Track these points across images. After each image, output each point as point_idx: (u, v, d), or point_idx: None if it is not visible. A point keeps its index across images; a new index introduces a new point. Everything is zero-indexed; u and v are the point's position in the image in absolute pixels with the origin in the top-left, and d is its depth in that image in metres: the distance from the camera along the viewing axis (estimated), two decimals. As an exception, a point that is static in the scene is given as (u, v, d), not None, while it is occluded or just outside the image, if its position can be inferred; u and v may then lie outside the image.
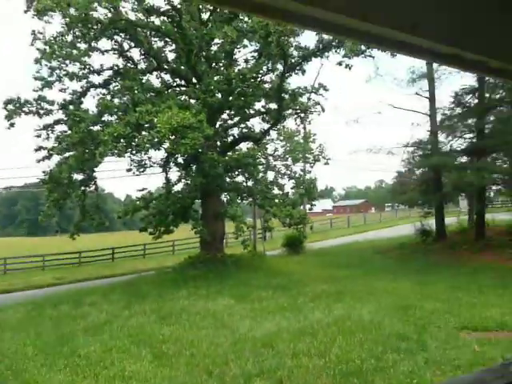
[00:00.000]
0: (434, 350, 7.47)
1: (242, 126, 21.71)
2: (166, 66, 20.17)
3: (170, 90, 20.20)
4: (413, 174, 27.61)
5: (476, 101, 23.18)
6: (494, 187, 27.91)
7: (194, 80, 19.63)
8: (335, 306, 11.12)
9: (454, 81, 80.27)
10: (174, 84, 21.25)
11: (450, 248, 20.97)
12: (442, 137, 24.73)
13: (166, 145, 17.11)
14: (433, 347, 7.65)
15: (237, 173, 20.36)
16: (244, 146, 21.45)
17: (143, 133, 16.98)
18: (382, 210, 65.83)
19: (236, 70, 19.36)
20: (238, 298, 12.67)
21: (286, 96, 20.62)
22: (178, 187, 20.20)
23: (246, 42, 19.87)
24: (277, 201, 20.49)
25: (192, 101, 18.77)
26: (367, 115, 52.94)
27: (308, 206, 23.88)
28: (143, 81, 19.38)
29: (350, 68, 18.35)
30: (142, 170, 19.71)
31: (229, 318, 10.37)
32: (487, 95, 22.77)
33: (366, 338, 8.24)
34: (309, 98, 21.56)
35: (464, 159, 24.53)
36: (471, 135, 24.14)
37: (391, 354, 7.28)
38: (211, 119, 18.69)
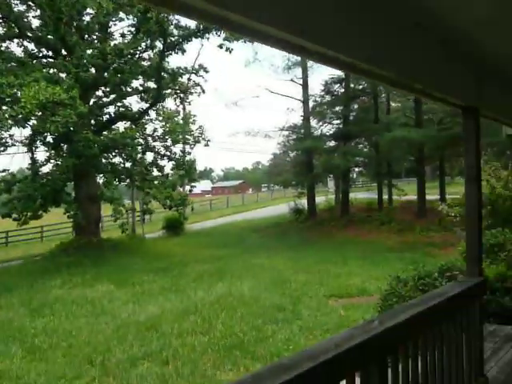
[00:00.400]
0: (307, 318, 8.23)
1: (119, 104, 20.71)
2: (29, 34, 18.17)
3: (35, 61, 18.32)
4: (287, 156, 29.29)
5: (343, 90, 25.33)
6: (356, 169, 31.07)
7: (64, 52, 18.07)
8: (217, 284, 11.48)
9: (324, 70, 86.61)
10: (41, 55, 19.29)
11: (320, 225, 22.90)
12: (313, 122, 26.65)
13: (33, 122, 15.58)
14: (306, 315, 8.42)
15: (114, 153, 19.43)
16: (121, 126, 20.55)
17: (4, 107, 15.22)
18: (259, 191, 68.69)
19: (112, 45, 18.32)
20: (117, 283, 12.30)
21: (166, 75, 20.18)
22: (47, 168, 18.63)
23: (122, 15, 18.85)
24: (156, 182, 20.16)
25: (62, 75, 17.30)
26: (246, 98, 54.39)
27: (188, 188, 23.93)
28: (2, 48, 17.26)
29: (230, 51, 18.61)
30: (2, 149, 17.65)
31: (109, 304, 10.06)
32: (352, 85, 25.06)
33: (247, 312, 8.72)
34: (189, 79, 21.39)
35: (332, 143, 26.79)
36: (339, 121, 26.44)
37: (270, 324, 7.84)
38: (85, 96, 17.49)
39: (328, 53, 1.79)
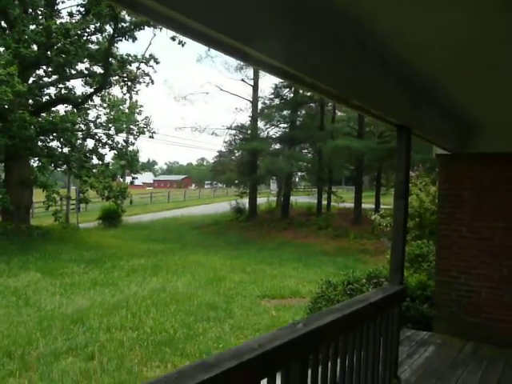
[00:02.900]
0: (239, 317, 8.32)
1: (61, 86, 19.73)
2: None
3: (-31, 31, 17.04)
4: (233, 155, 29.35)
5: (292, 95, 25.81)
6: (299, 173, 31.71)
7: (4, 25, 16.96)
8: (151, 279, 11.30)
9: None
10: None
11: (260, 225, 23.18)
12: (261, 124, 26.93)
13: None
14: (238, 314, 8.51)
15: (52, 137, 18.49)
16: (62, 109, 19.62)
17: None
18: (202, 187, 68.28)
19: (58, 23, 17.41)
20: (45, 273, 11.73)
21: (114, 61, 19.53)
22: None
23: (71, -7, 18.01)
24: (95, 171, 19.45)
25: (0, 49, 16.22)
26: (196, 93, 53.61)
27: (129, 179, 23.33)
28: None
29: (182, 45, 18.34)
30: None
31: (34, 294, 9.57)
32: (301, 91, 25.60)
33: (179, 309, 8.66)
34: (138, 68, 20.82)
35: (278, 146, 27.22)
36: (285, 125, 26.91)
37: (202, 322, 7.85)
38: (24, 74, 16.50)
39: (274, 63, 1.86)
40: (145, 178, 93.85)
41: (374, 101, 2.68)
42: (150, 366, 5.90)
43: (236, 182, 26.75)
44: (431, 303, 5.52)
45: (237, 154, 28.62)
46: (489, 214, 4.80)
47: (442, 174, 5.08)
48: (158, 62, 20.79)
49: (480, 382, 3.64)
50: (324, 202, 26.21)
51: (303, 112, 27.76)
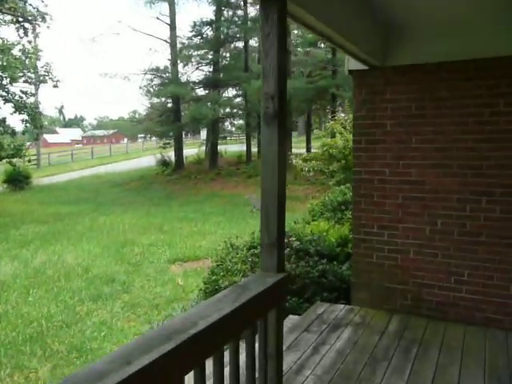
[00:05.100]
0: (137, 291, 6.96)
1: None
2: None
3: None
4: (165, 105, 26.79)
5: (213, 33, 23.52)
6: (230, 120, 29.94)
7: None
8: (44, 251, 9.56)
9: (194, 8, 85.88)
10: None
11: (186, 178, 21.58)
12: (181, 67, 24.56)
13: None
14: (138, 287, 7.15)
15: None
16: None
17: None
18: (135, 141, 64.48)
19: None
20: None
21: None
22: None
23: None
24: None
25: None
26: (106, 34, 48.58)
27: (51, 136, 20.65)
28: None
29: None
30: None
31: None
32: (223, 29, 23.34)
33: (66, 287, 7.14)
34: (25, 2, 17.67)
35: (203, 93, 25.09)
36: (209, 68, 24.73)
37: (87, 303, 6.41)
38: None
39: None
40: (73, 134, 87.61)
41: None
42: (-8, 380, 4.42)
43: (156, 131, 24.44)
44: (351, 265, 4.42)
45: (169, 105, 26.07)
46: (417, 150, 3.62)
47: (358, 97, 3.78)
48: (48, -5, 17.74)
49: (408, 391, 2.53)
50: (255, 150, 24.90)
51: (227, 55, 25.60)
